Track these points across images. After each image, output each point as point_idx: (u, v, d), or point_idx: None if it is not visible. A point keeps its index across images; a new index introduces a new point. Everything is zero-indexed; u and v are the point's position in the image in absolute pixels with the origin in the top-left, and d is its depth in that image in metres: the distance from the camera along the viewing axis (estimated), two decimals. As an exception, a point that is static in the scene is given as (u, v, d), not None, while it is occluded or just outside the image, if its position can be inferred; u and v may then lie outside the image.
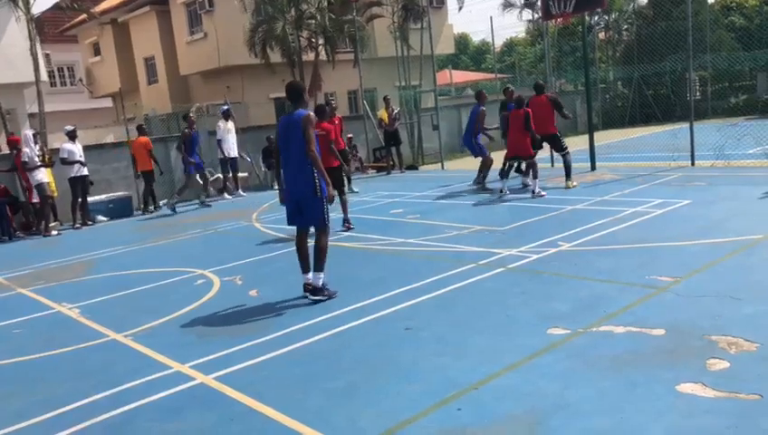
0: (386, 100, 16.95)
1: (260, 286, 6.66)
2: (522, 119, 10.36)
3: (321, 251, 5.77)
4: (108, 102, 30.44)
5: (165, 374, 4.48)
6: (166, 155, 16.03)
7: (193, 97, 25.19)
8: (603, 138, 18.08)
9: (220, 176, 16.49)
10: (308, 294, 5.84)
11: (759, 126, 14.18)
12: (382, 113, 16.86)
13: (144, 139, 14.66)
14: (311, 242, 5.91)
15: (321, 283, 5.79)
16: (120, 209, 14.48)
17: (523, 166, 11.25)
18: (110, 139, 19.00)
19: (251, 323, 5.49)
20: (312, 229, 5.89)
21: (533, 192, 10.31)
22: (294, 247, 5.99)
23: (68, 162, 13.06)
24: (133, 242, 10.62)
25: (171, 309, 6.10)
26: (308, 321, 5.27)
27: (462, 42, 53.11)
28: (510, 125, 10.69)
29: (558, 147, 11.23)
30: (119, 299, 6.88)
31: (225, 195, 15.90)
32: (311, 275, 5.84)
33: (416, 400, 3.68)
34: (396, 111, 16.67)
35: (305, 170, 5.58)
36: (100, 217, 14.05)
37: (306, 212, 5.72)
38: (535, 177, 10.42)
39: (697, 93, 25.72)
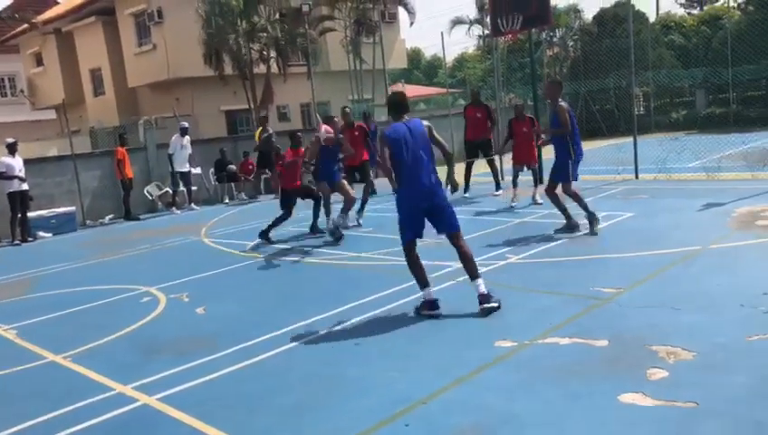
0: (261, 120, 16.78)
1: (208, 303, 6.52)
2: (529, 125, 10.49)
3: (471, 254, 5.43)
4: (51, 114, 29.56)
5: (105, 397, 4.33)
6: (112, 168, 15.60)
7: (141, 109, 24.71)
8: (551, 151, 18.47)
9: (169, 190, 16.19)
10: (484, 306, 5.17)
11: (698, 140, 14.73)
12: (257, 135, 16.59)
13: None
14: None
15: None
16: (63, 225, 14.03)
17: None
18: (53, 152, 18.42)
19: (197, 341, 5.36)
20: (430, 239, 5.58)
21: (535, 199, 10.40)
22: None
23: (5, 177, 12.60)
24: (76, 259, 10.28)
25: (114, 328, 5.91)
26: (256, 338, 5.18)
27: (415, 56, 53.66)
28: (516, 134, 10.64)
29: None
30: (59, 319, 6.63)
31: (174, 209, 15.60)
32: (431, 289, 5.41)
33: (364, 416, 3.65)
34: (268, 133, 16.05)
35: (435, 174, 5.46)
36: (42, 234, 13.57)
37: (440, 217, 5.47)
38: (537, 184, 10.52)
39: (641, 109, 26.61)
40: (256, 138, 16.64)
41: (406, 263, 5.52)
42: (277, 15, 19.66)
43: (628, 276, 5.79)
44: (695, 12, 37.58)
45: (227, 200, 16.59)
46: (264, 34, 19.24)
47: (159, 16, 22.45)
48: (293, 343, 4.99)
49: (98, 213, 15.28)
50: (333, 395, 3.99)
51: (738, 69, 21.41)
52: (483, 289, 5.23)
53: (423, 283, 5.40)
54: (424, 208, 5.43)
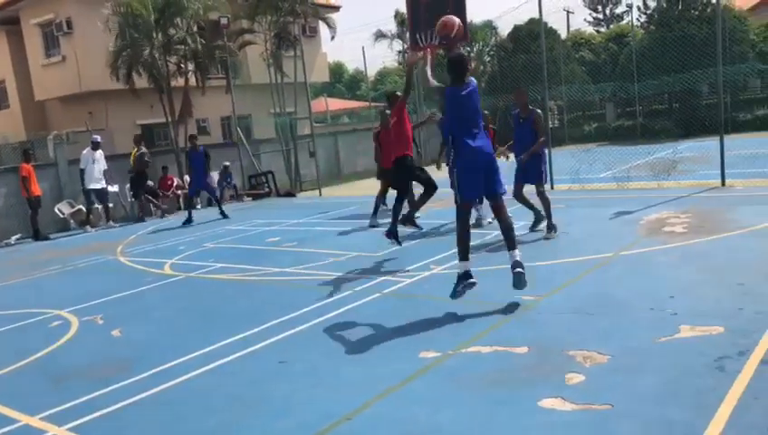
0: (136, 137, 16.31)
1: (124, 325, 6.25)
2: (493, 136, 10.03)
3: (511, 225, 5.57)
4: (-50, 129, 27.71)
5: (10, 429, 4.06)
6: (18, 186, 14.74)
7: (51, 124, 23.58)
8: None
9: (82, 208, 15.47)
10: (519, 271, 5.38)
11: (608, 152, 15.48)
12: (133, 155, 15.87)
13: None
14: None
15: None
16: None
17: None
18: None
19: (113, 365, 5.12)
20: (484, 211, 5.72)
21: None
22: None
23: None
24: (-21, 282, 9.64)
25: (20, 356, 5.56)
26: (175, 360, 5.00)
27: (337, 70, 53.86)
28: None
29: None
30: (-42, 348, 6.17)
31: (88, 227, 14.91)
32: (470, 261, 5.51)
33: (288, 435, 3.59)
34: (142, 151, 15.62)
35: (487, 137, 5.63)
36: (-60, 256, 12.66)
37: (492, 177, 5.52)
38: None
39: (555, 122, 27.71)
40: (132, 159, 15.72)
41: (456, 227, 5.55)
42: (195, 28, 19.23)
43: (545, 284, 5.97)
44: (602, 30, 39.60)
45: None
46: (182, 47, 18.77)
47: (69, 27, 21.51)
48: (215, 364, 4.84)
49: (2, 233, 14.41)
50: (256, 416, 3.90)
51: (643, 84, 22.70)
52: (517, 258, 5.44)
53: (464, 255, 5.46)
54: (482, 169, 5.48)
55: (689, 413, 3.31)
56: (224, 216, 14.04)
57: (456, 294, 5.51)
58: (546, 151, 8.21)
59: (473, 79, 5.68)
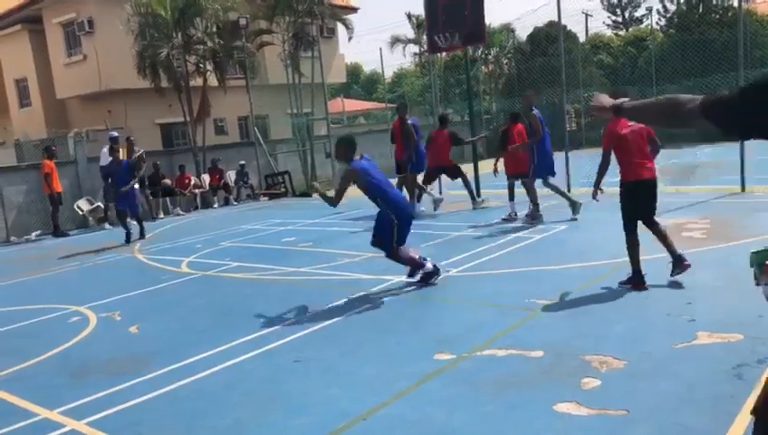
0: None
1: (141, 322, 6.32)
2: (524, 135, 10.24)
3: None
4: (-27, 126, 28.13)
5: (30, 423, 4.12)
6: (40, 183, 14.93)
7: (71, 122, 23.85)
8: (488, 166, 18.84)
9: (101, 205, 15.64)
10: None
11: (626, 156, 15.32)
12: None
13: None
14: None
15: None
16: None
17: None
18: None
19: (130, 361, 5.18)
20: None
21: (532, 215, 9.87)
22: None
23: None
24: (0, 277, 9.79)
25: (40, 350, 5.64)
26: (193, 357, 5.05)
27: (354, 71, 53.91)
28: (510, 141, 10.19)
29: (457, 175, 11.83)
30: (-20, 341, 6.28)
31: (106, 225, 15.07)
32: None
33: (304, 434, 3.61)
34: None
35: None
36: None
37: None
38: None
39: (572, 125, 27.56)
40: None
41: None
42: (214, 28, 19.39)
43: (561, 288, 5.95)
44: (621, 33, 39.28)
45: (162, 215, 16.17)
46: (201, 47, 18.94)
47: (90, 26, 21.77)
48: (231, 362, 4.88)
49: (24, 229, 14.63)
50: (272, 413, 3.93)
51: (662, 88, 22.48)
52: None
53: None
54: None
55: (707, 421, 3.29)
56: (142, 235, 12.39)
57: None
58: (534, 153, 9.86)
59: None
